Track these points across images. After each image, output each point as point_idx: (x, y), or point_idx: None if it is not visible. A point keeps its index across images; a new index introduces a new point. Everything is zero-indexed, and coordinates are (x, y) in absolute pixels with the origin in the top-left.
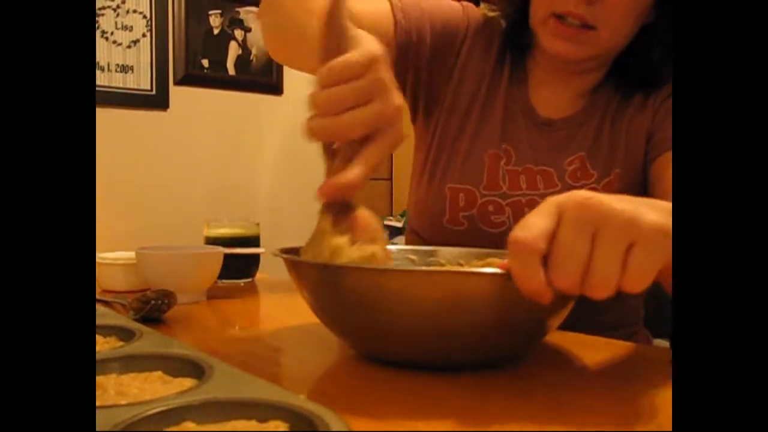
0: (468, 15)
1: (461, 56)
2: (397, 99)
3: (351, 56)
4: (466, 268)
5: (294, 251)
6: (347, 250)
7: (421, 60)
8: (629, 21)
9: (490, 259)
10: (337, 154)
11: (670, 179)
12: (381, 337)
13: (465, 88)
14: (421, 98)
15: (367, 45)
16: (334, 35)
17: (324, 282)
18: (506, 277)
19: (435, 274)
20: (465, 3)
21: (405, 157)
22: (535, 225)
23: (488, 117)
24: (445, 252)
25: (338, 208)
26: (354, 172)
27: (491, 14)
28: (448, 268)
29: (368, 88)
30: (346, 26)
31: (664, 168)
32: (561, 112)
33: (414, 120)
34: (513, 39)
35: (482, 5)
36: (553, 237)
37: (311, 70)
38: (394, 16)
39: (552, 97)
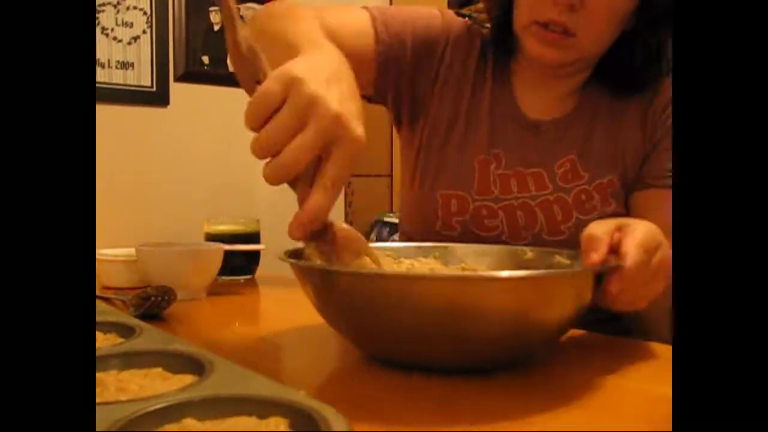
0: (447, 23)
1: (443, 64)
2: (333, 106)
3: (262, 88)
4: (472, 273)
5: (299, 253)
6: None
7: (403, 70)
8: (609, 29)
9: (558, 259)
10: (299, 178)
11: (668, 215)
12: (385, 341)
13: (447, 95)
14: (404, 108)
15: (281, 66)
16: (246, 69)
17: (327, 287)
18: (516, 280)
19: (437, 280)
20: (443, 11)
21: None
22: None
23: (474, 122)
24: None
25: (317, 234)
26: (315, 200)
27: (476, 16)
28: (460, 272)
29: (295, 112)
30: (253, 54)
31: (662, 201)
32: (549, 113)
33: (399, 128)
34: (498, 42)
35: (465, 9)
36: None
37: None
38: (375, 29)
39: (538, 99)
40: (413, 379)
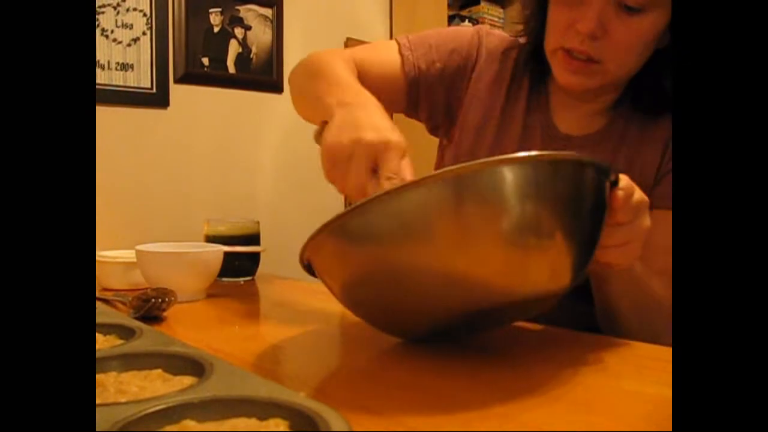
0: (480, 38)
1: (473, 78)
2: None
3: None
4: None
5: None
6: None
7: (435, 87)
8: (634, 54)
9: None
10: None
11: (664, 236)
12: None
13: (476, 105)
14: (439, 120)
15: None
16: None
17: (336, 243)
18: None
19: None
20: (479, 27)
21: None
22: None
23: (506, 128)
24: None
25: None
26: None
27: (510, 37)
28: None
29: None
30: None
31: (657, 223)
32: (580, 129)
33: (436, 135)
34: (534, 62)
35: (465, 11)
36: None
37: None
38: (401, 54)
39: (570, 115)
40: (414, 381)
